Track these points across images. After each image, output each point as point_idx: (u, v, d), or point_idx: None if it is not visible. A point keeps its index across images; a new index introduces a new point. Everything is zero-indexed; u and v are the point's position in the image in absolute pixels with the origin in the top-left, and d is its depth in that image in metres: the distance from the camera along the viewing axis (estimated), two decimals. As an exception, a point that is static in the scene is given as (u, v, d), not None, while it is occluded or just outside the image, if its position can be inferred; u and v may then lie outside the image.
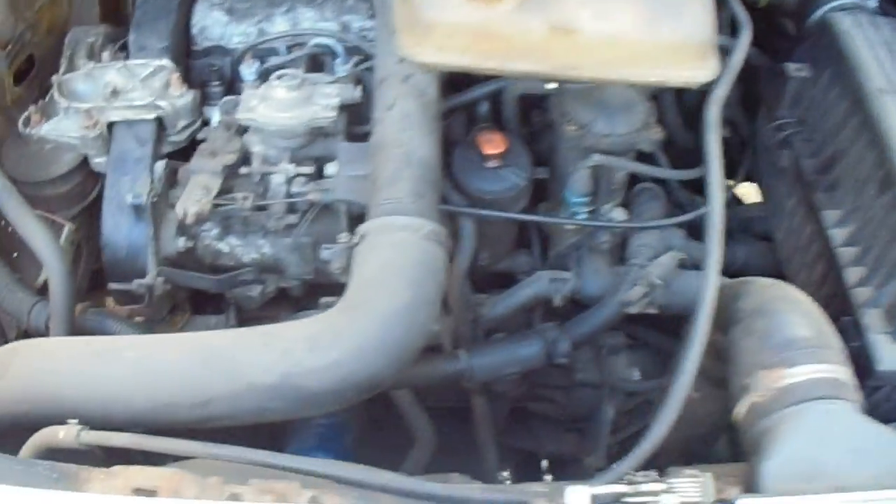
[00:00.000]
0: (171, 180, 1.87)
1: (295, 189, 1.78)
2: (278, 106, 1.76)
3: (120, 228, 1.82)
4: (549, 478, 1.59)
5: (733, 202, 2.12)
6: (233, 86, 2.04)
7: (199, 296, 1.97)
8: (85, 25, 2.08)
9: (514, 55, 1.54)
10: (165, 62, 1.91)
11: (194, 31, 2.04)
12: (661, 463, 1.25)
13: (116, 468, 1.22)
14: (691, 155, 1.84)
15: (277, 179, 1.78)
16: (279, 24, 2.03)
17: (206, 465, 1.25)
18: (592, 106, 1.78)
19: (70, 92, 1.92)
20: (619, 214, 1.87)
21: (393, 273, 1.47)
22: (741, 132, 2.06)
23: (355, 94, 1.82)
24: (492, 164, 1.79)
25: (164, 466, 1.25)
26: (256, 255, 1.88)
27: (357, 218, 1.70)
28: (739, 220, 2.02)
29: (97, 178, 2.03)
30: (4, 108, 2.01)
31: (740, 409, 1.32)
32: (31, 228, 1.74)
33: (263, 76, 1.95)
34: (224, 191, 1.78)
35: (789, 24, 2.04)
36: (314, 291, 1.94)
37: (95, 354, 1.46)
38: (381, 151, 1.62)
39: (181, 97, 1.88)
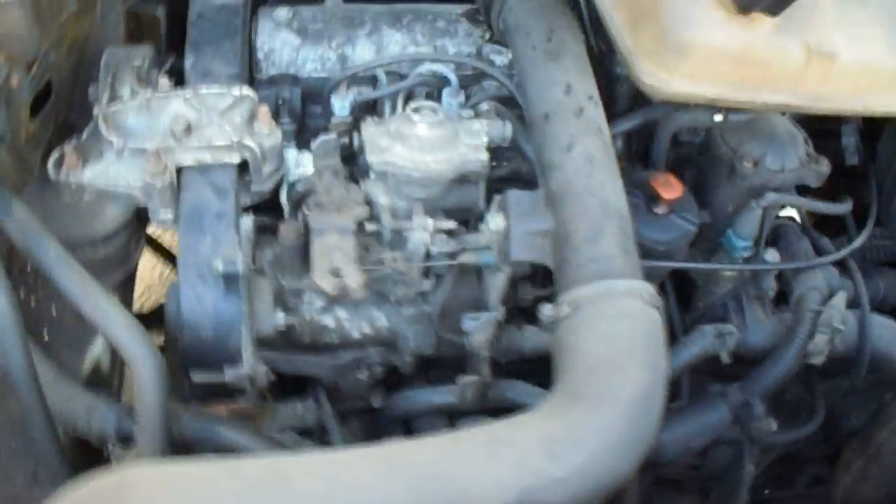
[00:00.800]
0: (259, 241, 1.50)
1: (437, 248, 1.45)
2: (420, 147, 1.43)
3: (204, 303, 1.42)
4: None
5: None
6: (303, 122, 1.68)
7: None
8: (115, 45, 1.66)
9: (768, 85, 1.35)
10: (248, 91, 1.53)
11: (259, 55, 1.67)
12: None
13: None
14: None
15: (418, 237, 1.44)
16: (362, 49, 1.69)
17: None
18: (761, 139, 1.59)
19: (119, 127, 1.50)
20: (773, 256, 1.66)
21: (627, 351, 1.20)
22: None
23: (505, 132, 1.51)
24: (661, 210, 1.54)
25: None
26: (369, 330, 1.53)
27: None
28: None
29: (141, 237, 1.63)
30: (17, 147, 1.56)
31: None
32: (106, 311, 1.31)
33: (356, 111, 1.62)
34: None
35: None
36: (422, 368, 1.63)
37: (253, 488, 1.06)
38: (570, 201, 1.33)
39: (270, 136, 1.50)
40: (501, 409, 1.65)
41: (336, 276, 1.34)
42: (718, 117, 1.55)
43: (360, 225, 1.44)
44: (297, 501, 1.05)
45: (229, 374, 1.41)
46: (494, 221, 1.39)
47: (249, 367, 1.41)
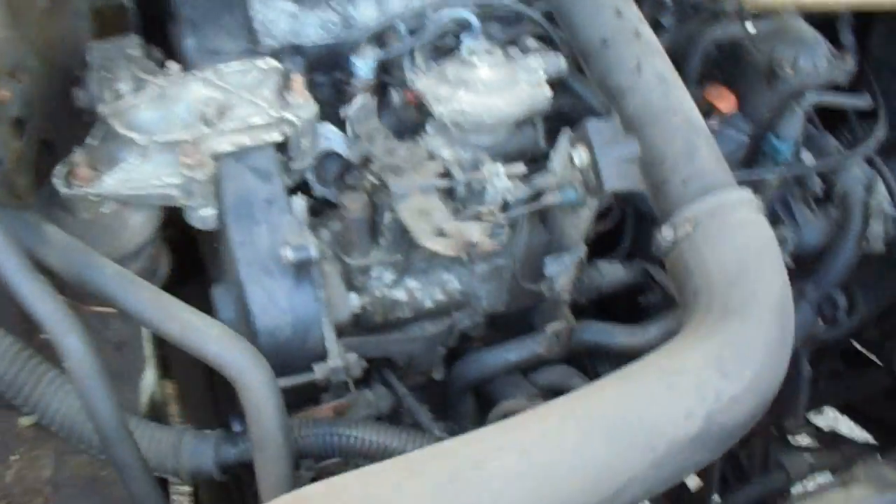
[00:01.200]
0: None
1: (514, 195, 1.36)
2: (488, 90, 1.33)
3: (276, 299, 1.28)
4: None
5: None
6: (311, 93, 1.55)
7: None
8: (95, 41, 1.47)
9: None
10: (273, 63, 1.39)
11: (256, 25, 1.51)
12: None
13: None
14: None
15: (498, 185, 1.34)
16: (366, 7, 1.56)
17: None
18: (791, 43, 1.59)
19: (135, 124, 1.33)
20: (808, 157, 1.67)
21: (757, 259, 1.19)
22: None
23: (561, 65, 1.43)
24: (713, 122, 1.51)
25: None
26: (441, 296, 1.44)
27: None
28: None
29: (167, 248, 1.47)
30: (7, 171, 1.36)
31: None
32: (196, 326, 1.16)
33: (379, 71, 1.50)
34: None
35: None
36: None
37: (449, 480, 0.96)
38: (654, 122, 1.29)
39: (307, 107, 1.37)
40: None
41: (441, 234, 1.23)
42: (752, 29, 1.54)
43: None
44: (498, 483, 0.96)
45: (320, 371, 1.29)
46: (578, 156, 1.32)
47: (340, 359, 1.29)
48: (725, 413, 1.06)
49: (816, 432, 1.91)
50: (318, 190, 1.49)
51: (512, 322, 1.56)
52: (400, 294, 1.42)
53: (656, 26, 1.60)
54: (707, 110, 1.50)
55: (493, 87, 1.34)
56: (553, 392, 1.50)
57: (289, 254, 1.26)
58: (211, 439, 1.25)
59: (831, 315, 1.65)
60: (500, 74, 1.35)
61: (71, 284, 1.21)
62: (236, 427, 1.38)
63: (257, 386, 1.14)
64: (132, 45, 1.43)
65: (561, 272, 1.40)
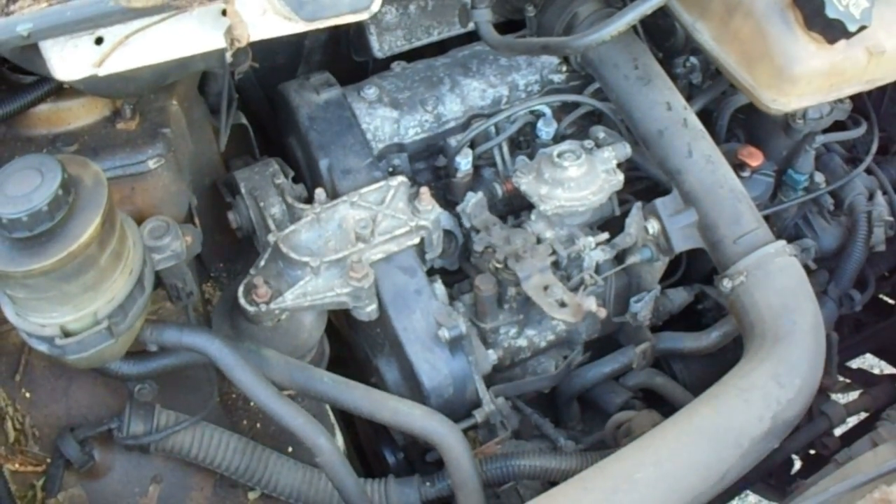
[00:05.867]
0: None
1: (603, 258, 1.73)
2: (578, 186, 1.70)
3: (438, 368, 1.66)
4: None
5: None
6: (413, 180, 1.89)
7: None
8: (236, 166, 1.79)
9: (846, 84, 1.71)
10: (401, 178, 1.72)
11: (367, 133, 1.84)
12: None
13: None
14: None
15: (593, 256, 1.72)
16: (452, 104, 1.90)
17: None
18: None
19: (296, 246, 1.65)
20: (819, 178, 2.05)
21: (794, 295, 1.59)
22: None
23: (627, 150, 1.78)
24: (745, 173, 1.89)
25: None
26: (552, 336, 1.82)
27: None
28: None
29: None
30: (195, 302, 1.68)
31: None
32: (401, 410, 1.54)
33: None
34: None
35: None
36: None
37: (613, 491, 1.38)
38: (706, 196, 1.67)
39: (434, 210, 1.71)
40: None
41: (563, 305, 1.61)
42: None
43: (542, 259, 1.71)
44: (645, 488, 1.37)
45: (480, 415, 1.67)
46: (651, 226, 1.69)
47: (491, 403, 1.68)
48: (785, 412, 1.47)
49: (850, 374, 2.33)
50: (438, 263, 1.84)
51: (604, 341, 1.96)
52: (522, 342, 1.79)
53: (691, 87, 1.97)
54: (740, 164, 1.88)
55: (581, 183, 1.70)
56: (641, 390, 1.90)
57: (445, 334, 1.63)
58: (414, 482, 1.63)
59: (849, 307, 2.05)
60: (583, 170, 1.70)
61: (296, 392, 1.57)
62: (391, 458, 1.80)
63: (455, 445, 1.54)
64: (275, 171, 1.74)
65: (642, 307, 1.79)
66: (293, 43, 2.04)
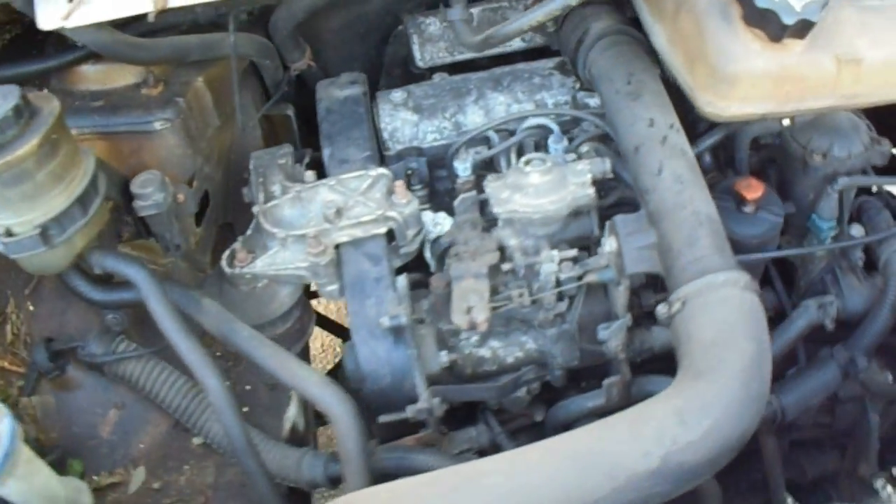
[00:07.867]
0: (416, 294, 1.75)
1: (565, 275, 1.67)
2: (536, 193, 1.66)
3: (378, 355, 1.68)
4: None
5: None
6: (432, 186, 1.94)
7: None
8: (257, 149, 1.96)
9: (809, 95, 1.51)
10: (382, 171, 1.79)
11: (385, 134, 1.93)
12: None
13: None
14: None
15: (547, 269, 1.66)
16: (473, 114, 1.94)
17: None
18: (826, 133, 1.78)
19: (278, 220, 1.78)
20: (858, 230, 1.83)
21: (733, 330, 1.40)
22: None
23: (605, 167, 1.72)
24: (748, 209, 1.75)
25: None
26: (520, 354, 1.76)
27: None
28: None
29: (311, 312, 1.90)
30: (190, 253, 1.86)
31: None
32: (302, 374, 1.59)
33: (476, 168, 1.86)
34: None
35: None
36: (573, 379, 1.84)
37: (453, 490, 1.32)
38: (666, 217, 1.54)
39: (408, 205, 1.76)
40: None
41: (468, 314, 1.57)
42: (786, 121, 1.74)
43: (497, 266, 1.67)
44: (488, 494, 1.29)
45: (411, 411, 1.65)
46: (609, 243, 1.61)
47: (426, 401, 1.66)
48: (682, 455, 1.29)
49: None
50: (433, 266, 1.86)
51: (599, 376, 1.85)
52: (485, 352, 1.75)
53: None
54: (741, 198, 1.72)
55: (540, 190, 1.65)
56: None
57: (385, 321, 1.65)
58: (323, 457, 1.66)
59: (854, 374, 1.79)
60: (547, 178, 1.66)
61: (218, 341, 1.68)
62: None
63: (344, 418, 1.55)
64: (284, 154, 1.88)
65: (610, 336, 1.68)
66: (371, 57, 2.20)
